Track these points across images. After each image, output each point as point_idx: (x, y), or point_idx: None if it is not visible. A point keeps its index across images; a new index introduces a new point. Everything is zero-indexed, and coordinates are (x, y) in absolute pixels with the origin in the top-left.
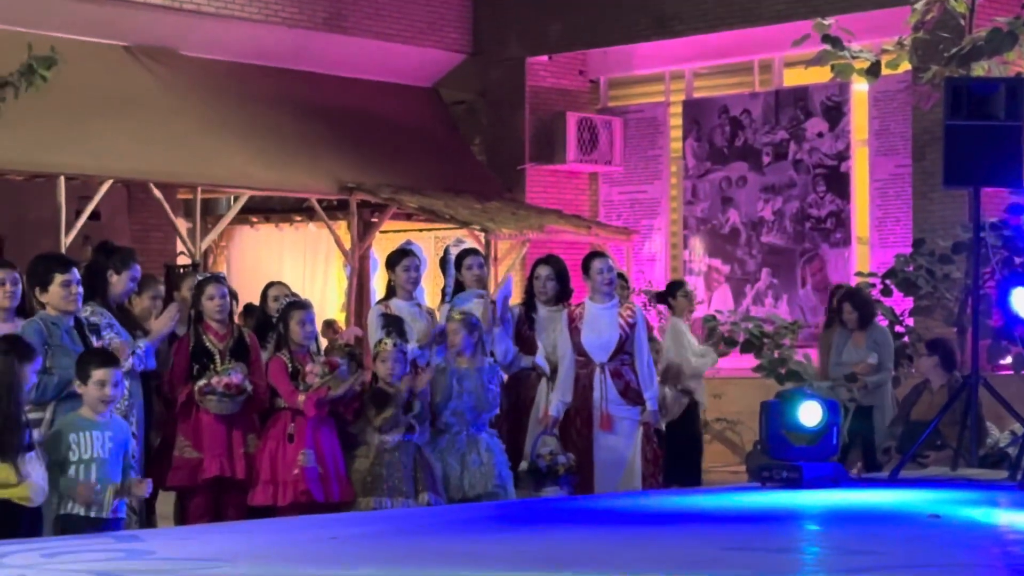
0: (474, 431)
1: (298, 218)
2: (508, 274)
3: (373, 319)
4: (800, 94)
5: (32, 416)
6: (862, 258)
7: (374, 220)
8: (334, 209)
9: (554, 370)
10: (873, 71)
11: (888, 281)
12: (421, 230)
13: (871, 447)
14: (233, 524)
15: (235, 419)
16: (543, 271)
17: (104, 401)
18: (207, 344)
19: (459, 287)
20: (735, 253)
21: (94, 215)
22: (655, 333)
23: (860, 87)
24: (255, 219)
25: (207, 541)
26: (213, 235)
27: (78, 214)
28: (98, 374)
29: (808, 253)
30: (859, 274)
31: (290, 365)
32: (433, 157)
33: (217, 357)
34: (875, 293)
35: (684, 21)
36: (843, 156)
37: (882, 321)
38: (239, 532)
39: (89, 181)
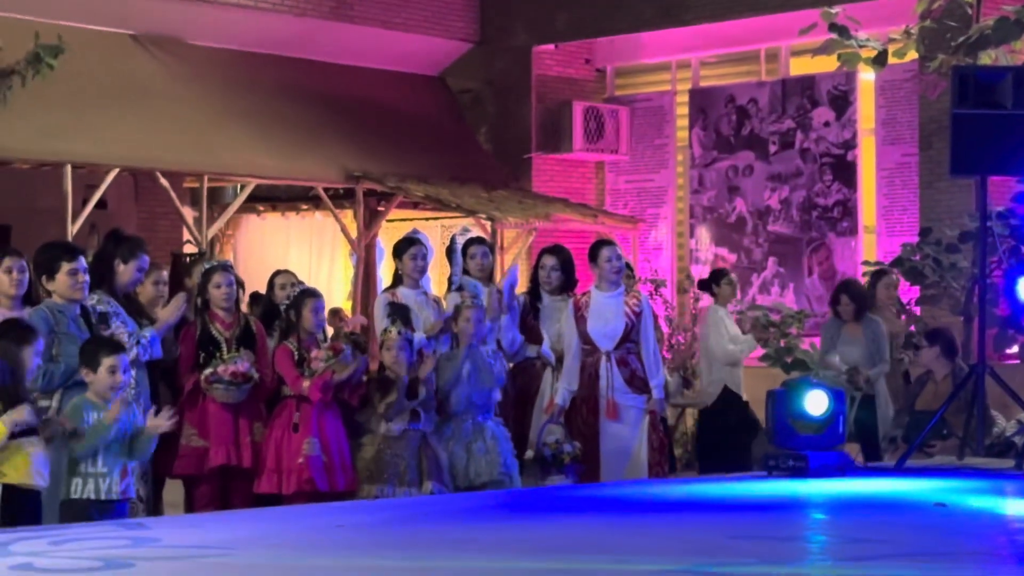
0: (480, 419)
1: (304, 207)
2: (514, 263)
3: (379, 307)
4: (807, 83)
5: (39, 404)
6: (869, 247)
7: (380, 209)
8: (340, 198)
9: (559, 359)
10: (880, 60)
11: (894, 270)
12: (427, 219)
13: (872, 436)
14: (239, 512)
15: (242, 407)
16: (548, 261)
17: (113, 388)
18: (214, 332)
19: (465, 276)
20: (741, 242)
21: (101, 203)
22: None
23: (867, 76)
24: (261, 208)
25: (213, 529)
26: (219, 223)
27: (85, 202)
28: (108, 361)
29: (815, 242)
30: (866, 263)
31: (296, 353)
32: (439, 146)
33: (224, 345)
34: None
35: (690, 10)
36: (850, 145)
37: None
38: (245, 520)
39: (96, 169)
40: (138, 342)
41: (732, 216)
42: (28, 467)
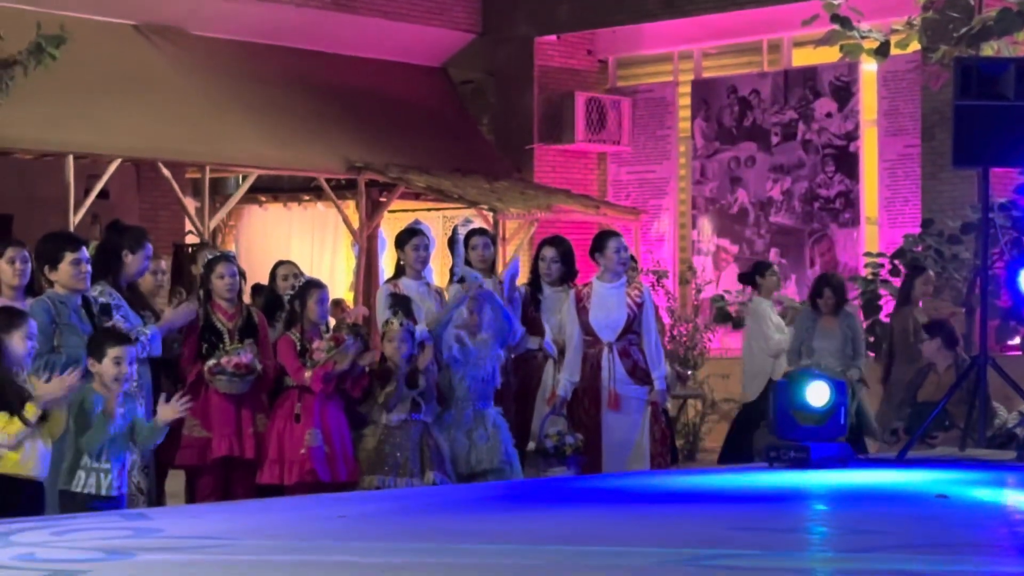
0: (480, 406)
1: (306, 197)
2: (515, 254)
3: (382, 298)
4: (809, 74)
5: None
6: (871, 238)
7: (382, 200)
8: (342, 188)
9: (561, 351)
10: (882, 51)
11: (897, 261)
12: (429, 210)
13: (858, 429)
14: (241, 503)
15: (244, 399)
16: (548, 252)
17: (117, 379)
18: (216, 323)
19: (466, 267)
20: (744, 233)
21: (103, 194)
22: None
23: (869, 67)
24: (264, 198)
25: (215, 520)
26: (222, 214)
27: (87, 193)
28: (113, 351)
29: (817, 233)
30: (867, 254)
31: (299, 344)
32: (441, 137)
33: (226, 336)
34: (884, 273)
35: (692, 1)
36: (852, 136)
37: (888, 304)
38: (247, 511)
39: (98, 160)
40: (136, 338)
41: (734, 207)
42: (22, 458)
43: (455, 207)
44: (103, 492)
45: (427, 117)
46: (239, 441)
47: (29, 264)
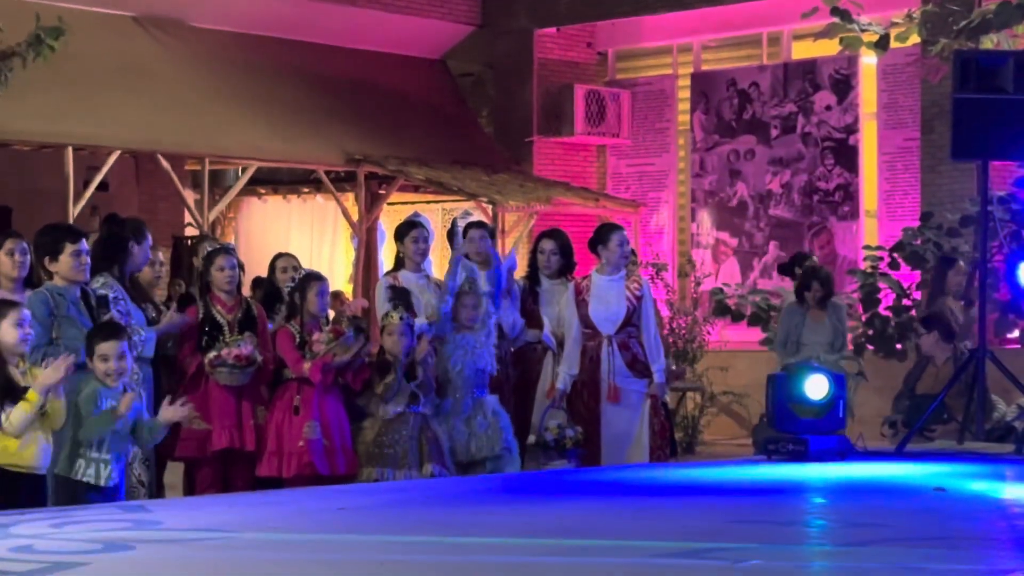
0: (479, 394)
1: (306, 190)
2: (514, 247)
3: (381, 291)
4: (808, 67)
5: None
6: (870, 231)
7: (381, 192)
8: (342, 181)
9: (560, 344)
10: (882, 44)
11: (896, 254)
12: (428, 202)
13: None
14: (241, 495)
15: (244, 390)
16: (547, 245)
17: (109, 374)
18: (216, 315)
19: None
20: (743, 226)
21: (102, 186)
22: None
23: (869, 60)
24: (263, 191)
25: (214, 512)
26: (221, 206)
27: (86, 184)
28: (101, 348)
29: (816, 226)
30: (867, 247)
31: (298, 336)
32: (441, 129)
33: (226, 328)
34: (883, 266)
35: None
36: (851, 129)
37: (887, 297)
38: (246, 503)
39: (97, 151)
40: (130, 337)
41: (733, 200)
42: (22, 451)
43: (454, 200)
44: (101, 483)
45: (426, 110)
46: (240, 433)
47: (28, 256)
